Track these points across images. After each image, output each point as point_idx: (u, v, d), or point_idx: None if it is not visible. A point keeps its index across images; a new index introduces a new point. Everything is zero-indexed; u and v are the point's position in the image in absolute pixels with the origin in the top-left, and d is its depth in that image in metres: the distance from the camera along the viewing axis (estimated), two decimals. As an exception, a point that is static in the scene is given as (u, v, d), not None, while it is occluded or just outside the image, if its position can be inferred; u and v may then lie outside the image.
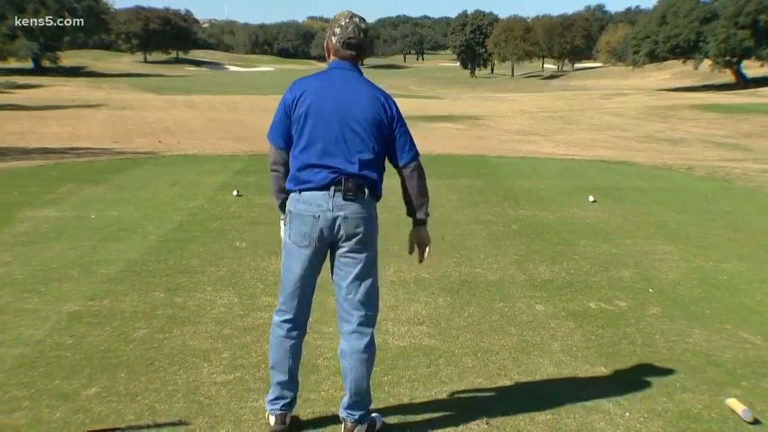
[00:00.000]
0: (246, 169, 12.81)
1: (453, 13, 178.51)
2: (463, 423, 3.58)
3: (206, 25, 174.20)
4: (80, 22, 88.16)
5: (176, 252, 6.77)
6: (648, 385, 4.07)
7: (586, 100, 46.23)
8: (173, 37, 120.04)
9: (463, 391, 3.95)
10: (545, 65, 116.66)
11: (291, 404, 3.48)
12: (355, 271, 3.32)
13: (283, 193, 3.41)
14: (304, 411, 3.63)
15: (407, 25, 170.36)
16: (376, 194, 3.38)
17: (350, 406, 3.39)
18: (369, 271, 3.37)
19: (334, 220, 3.24)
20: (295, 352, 3.45)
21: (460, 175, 12.23)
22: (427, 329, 4.89)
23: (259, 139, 18.49)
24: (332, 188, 3.23)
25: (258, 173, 11.78)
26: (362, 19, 3.40)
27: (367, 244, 3.34)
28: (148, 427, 3.50)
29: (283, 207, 3.42)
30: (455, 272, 6.26)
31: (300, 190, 3.27)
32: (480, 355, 4.47)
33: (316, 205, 3.24)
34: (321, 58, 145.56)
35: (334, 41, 3.36)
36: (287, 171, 3.36)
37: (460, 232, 7.75)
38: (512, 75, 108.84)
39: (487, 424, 3.58)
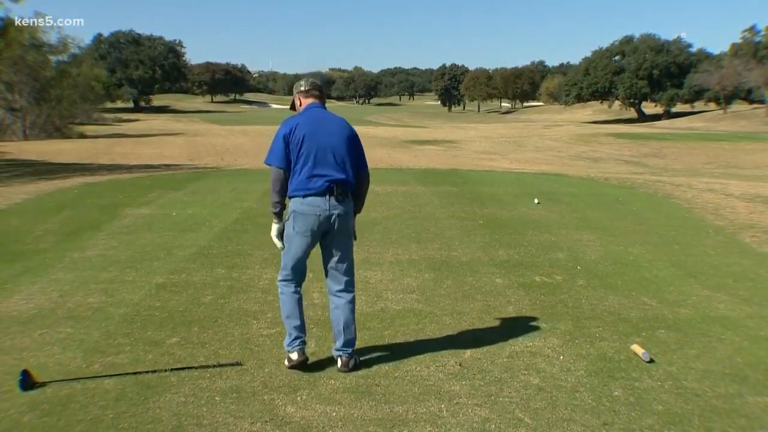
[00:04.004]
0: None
1: (435, 65, 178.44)
2: (442, 364, 3.58)
3: (256, 74, 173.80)
4: (166, 74, 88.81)
5: (233, 240, 6.76)
6: (576, 336, 4.07)
7: (532, 129, 46.07)
8: (232, 83, 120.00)
9: (442, 341, 3.95)
10: (502, 104, 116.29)
11: (305, 342, 3.53)
12: (343, 250, 3.49)
13: (280, 204, 3.49)
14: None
15: (402, 74, 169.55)
16: (354, 190, 3.52)
17: (345, 344, 3.49)
18: (350, 250, 3.55)
19: (330, 216, 3.38)
20: (301, 304, 3.57)
21: (441, 183, 12.20)
22: (416, 297, 4.89)
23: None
24: (327, 194, 3.37)
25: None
26: (316, 76, 3.72)
27: (349, 232, 3.53)
28: (214, 366, 3.49)
29: (278, 214, 3.51)
30: (437, 255, 6.24)
31: (304, 195, 3.37)
32: (455, 315, 4.46)
33: (317, 206, 3.37)
34: (339, 99, 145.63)
35: (302, 92, 3.62)
36: (285, 187, 3.45)
37: (440, 225, 7.74)
38: (479, 111, 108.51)
39: (459, 365, 3.57)
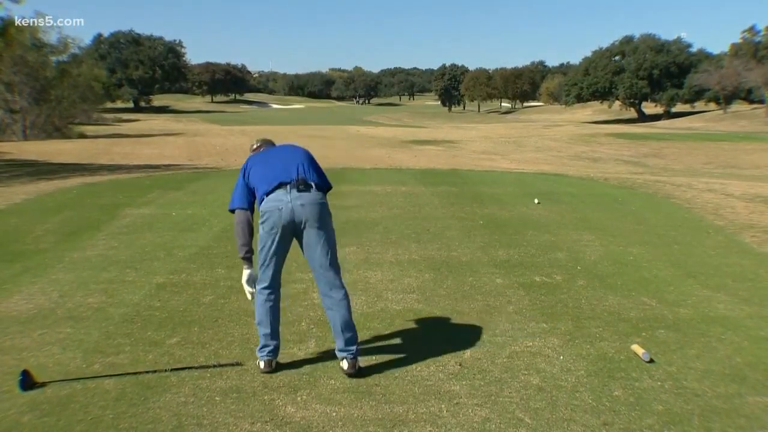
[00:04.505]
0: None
1: (435, 65, 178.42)
2: (442, 364, 3.58)
3: (256, 75, 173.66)
4: (166, 74, 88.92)
5: (233, 240, 6.72)
6: (576, 336, 4.06)
7: (532, 129, 46.09)
8: (232, 83, 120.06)
9: (442, 341, 3.94)
10: (502, 104, 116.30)
11: (274, 351, 3.45)
12: (321, 242, 3.33)
13: (247, 246, 3.47)
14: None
15: (402, 74, 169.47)
16: (323, 188, 3.43)
17: (347, 343, 3.36)
18: (329, 242, 3.37)
19: (293, 208, 3.28)
20: (274, 311, 3.45)
21: (441, 183, 12.20)
22: (416, 297, 4.88)
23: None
24: (288, 187, 3.31)
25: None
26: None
27: (324, 223, 3.35)
28: (214, 366, 3.49)
29: (247, 258, 3.49)
30: (437, 255, 6.24)
31: (268, 194, 3.35)
32: (455, 315, 4.46)
33: (279, 200, 3.29)
34: (340, 99, 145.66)
35: (255, 149, 3.70)
36: (250, 227, 3.46)
37: (440, 226, 7.74)
38: (479, 111, 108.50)
39: (459, 365, 3.57)
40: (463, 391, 3.24)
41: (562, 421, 2.96)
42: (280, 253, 3.40)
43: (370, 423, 2.91)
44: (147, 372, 3.40)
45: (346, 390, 3.23)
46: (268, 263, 3.39)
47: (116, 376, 3.34)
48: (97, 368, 3.45)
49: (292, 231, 3.35)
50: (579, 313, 4.53)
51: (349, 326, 3.38)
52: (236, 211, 3.50)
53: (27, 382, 3.20)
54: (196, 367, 3.47)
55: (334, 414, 2.99)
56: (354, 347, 3.39)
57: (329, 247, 3.37)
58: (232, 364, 3.52)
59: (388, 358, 3.63)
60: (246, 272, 3.49)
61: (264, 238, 3.36)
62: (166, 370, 3.42)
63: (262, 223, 3.35)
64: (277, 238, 3.33)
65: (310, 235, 3.33)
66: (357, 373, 3.37)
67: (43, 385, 3.24)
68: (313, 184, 3.37)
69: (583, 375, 3.47)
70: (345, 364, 3.36)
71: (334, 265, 3.41)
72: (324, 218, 3.36)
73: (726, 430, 2.93)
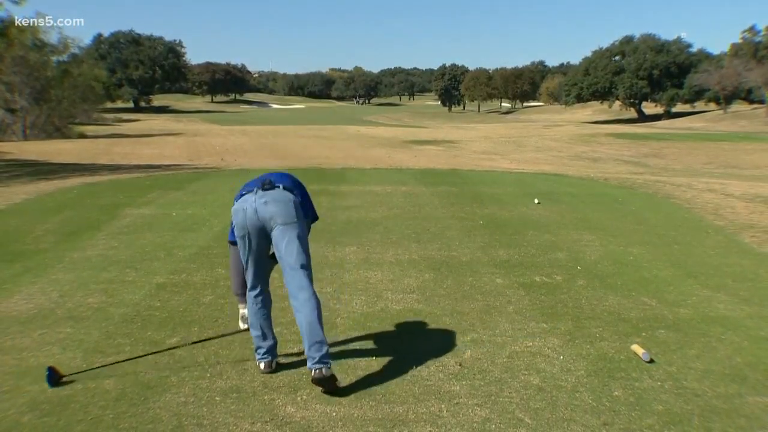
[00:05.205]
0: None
1: (435, 65, 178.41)
2: (442, 364, 3.58)
3: (256, 74, 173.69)
4: (166, 74, 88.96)
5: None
6: (576, 336, 4.06)
7: (532, 129, 46.09)
8: (232, 83, 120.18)
9: (442, 341, 3.94)
10: (503, 104, 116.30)
11: (270, 352, 3.43)
12: (288, 238, 3.18)
13: (240, 284, 3.52)
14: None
15: (402, 74, 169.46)
16: (290, 188, 3.33)
17: (310, 349, 3.09)
18: (298, 239, 3.20)
19: (256, 208, 3.21)
20: (262, 313, 3.41)
21: (441, 183, 12.20)
22: (417, 297, 4.88)
23: (293, 157, 18.52)
24: (255, 189, 3.28)
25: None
26: None
27: (291, 218, 3.21)
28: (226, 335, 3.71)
29: (241, 295, 3.58)
30: (437, 254, 6.24)
31: (238, 199, 3.34)
32: (455, 315, 4.46)
33: (245, 201, 3.26)
34: (340, 99, 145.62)
35: None
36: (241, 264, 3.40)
37: (440, 226, 7.74)
38: (479, 111, 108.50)
39: (459, 365, 3.57)
40: (463, 391, 3.24)
41: (562, 421, 2.96)
42: (256, 257, 3.31)
43: (370, 423, 2.91)
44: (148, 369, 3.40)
45: (346, 390, 3.23)
46: (247, 266, 3.36)
47: (116, 376, 3.34)
48: (97, 368, 3.45)
49: (260, 232, 3.24)
50: (579, 313, 4.53)
51: (313, 330, 3.10)
52: (232, 247, 3.49)
53: (53, 377, 3.24)
54: (217, 337, 3.68)
55: (334, 414, 2.99)
56: (318, 355, 3.08)
57: (297, 246, 3.18)
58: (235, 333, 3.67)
59: (388, 358, 3.63)
60: (241, 311, 3.64)
61: (239, 242, 3.32)
62: (188, 344, 3.63)
63: (232, 227, 3.36)
64: (247, 242, 3.26)
65: (276, 233, 3.20)
66: (328, 385, 3.10)
67: (69, 382, 3.27)
68: (280, 186, 3.28)
69: (583, 375, 3.47)
70: (312, 374, 3.10)
71: (305, 267, 3.20)
72: (289, 215, 3.20)
73: (726, 430, 2.93)
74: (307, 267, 3.22)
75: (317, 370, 3.08)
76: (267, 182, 3.30)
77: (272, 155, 22.09)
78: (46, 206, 8.95)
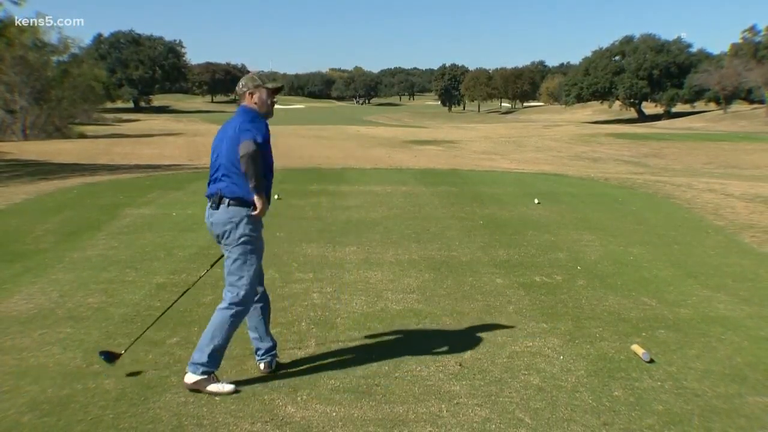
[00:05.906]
0: (284, 178, 12.72)
1: (435, 65, 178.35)
2: (442, 364, 3.58)
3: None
4: (166, 74, 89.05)
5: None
6: (576, 336, 4.07)
7: (532, 129, 46.06)
8: (232, 83, 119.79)
9: (442, 341, 3.94)
10: (502, 104, 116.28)
11: (268, 353, 3.43)
12: (226, 254, 3.29)
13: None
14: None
15: (402, 74, 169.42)
16: (238, 202, 3.23)
17: (193, 356, 3.22)
18: (232, 257, 3.25)
19: (209, 224, 3.32)
20: (255, 315, 3.43)
21: (441, 183, 12.20)
22: (417, 297, 4.88)
23: (293, 157, 18.51)
24: (210, 201, 3.33)
25: (293, 182, 11.74)
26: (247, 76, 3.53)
27: (232, 240, 3.24)
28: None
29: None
30: (437, 254, 6.24)
31: None
32: (455, 315, 4.46)
33: (206, 212, 3.36)
34: (340, 99, 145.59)
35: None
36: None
37: (440, 226, 7.74)
38: (479, 111, 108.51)
39: (459, 365, 3.57)
40: (463, 391, 3.24)
41: (562, 421, 2.96)
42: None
43: (370, 423, 2.91)
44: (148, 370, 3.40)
45: (346, 390, 3.23)
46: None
47: (116, 376, 3.34)
48: (97, 368, 3.45)
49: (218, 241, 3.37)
50: (579, 313, 4.53)
51: (205, 338, 3.21)
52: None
53: (111, 357, 3.34)
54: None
55: (334, 414, 2.99)
56: (193, 364, 3.18)
57: (230, 265, 3.26)
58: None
59: (388, 358, 3.63)
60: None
61: None
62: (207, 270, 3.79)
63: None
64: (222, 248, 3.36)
65: (224, 247, 3.32)
66: (192, 390, 3.17)
67: (120, 355, 3.38)
68: (226, 201, 3.23)
69: (583, 375, 3.47)
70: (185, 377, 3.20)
71: (231, 277, 3.26)
72: (228, 237, 3.24)
73: (726, 430, 2.93)
74: (233, 286, 3.26)
75: (189, 380, 3.20)
76: (215, 199, 3.27)
77: (272, 155, 22.04)
78: (46, 206, 8.95)
